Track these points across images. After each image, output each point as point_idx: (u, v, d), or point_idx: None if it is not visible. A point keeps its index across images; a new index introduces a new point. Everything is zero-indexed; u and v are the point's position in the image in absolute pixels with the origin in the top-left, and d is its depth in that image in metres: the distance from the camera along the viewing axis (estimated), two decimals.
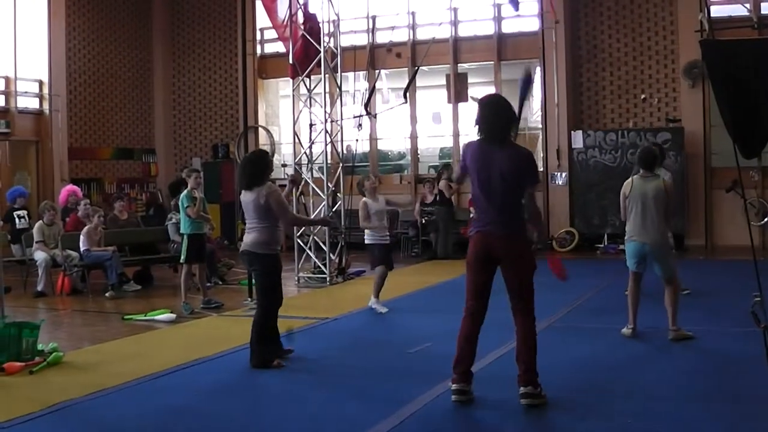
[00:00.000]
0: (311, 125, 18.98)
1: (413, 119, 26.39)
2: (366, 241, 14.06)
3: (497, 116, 8.14)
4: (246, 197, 10.22)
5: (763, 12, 21.24)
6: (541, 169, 24.66)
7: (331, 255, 17.91)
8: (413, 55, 25.52)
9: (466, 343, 8.12)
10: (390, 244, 14.42)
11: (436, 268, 20.28)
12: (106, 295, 16.46)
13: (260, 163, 10.55)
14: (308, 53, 18.49)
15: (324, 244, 17.59)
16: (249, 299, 14.93)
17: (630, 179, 11.44)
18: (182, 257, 14.69)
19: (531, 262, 8.16)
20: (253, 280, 10.56)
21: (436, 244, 22.64)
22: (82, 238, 16.95)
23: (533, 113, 27.07)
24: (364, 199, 13.87)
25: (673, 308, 11.07)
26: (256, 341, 10.08)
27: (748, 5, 21.62)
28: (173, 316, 13.74)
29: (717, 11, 22.41)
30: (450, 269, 18.63)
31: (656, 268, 11.19)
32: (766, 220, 20.82)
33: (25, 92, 24.34)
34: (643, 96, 23.62)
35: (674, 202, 11.39)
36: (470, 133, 26.50)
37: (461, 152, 8.91)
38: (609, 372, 9.52)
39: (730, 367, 9.40)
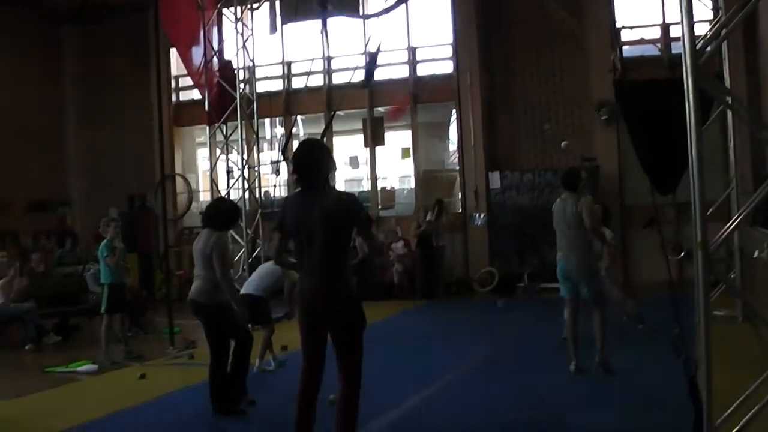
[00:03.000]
0: (228, 172, 18.93)
1: None
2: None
3: (311, 163, 7.41)
4: (197, 244, 10.15)
5: (674, 51, 21.58)
6: (459, 211, 24.80)
7: None
8: (329, 100, 25.54)
9: (303, 409, 7.44)
10: None
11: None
12: (26, 348, 16.21)
13: (225, 209, 10.62)
14: (224, 100, 18.49)
15: None
16: (171, 348, 14.80)
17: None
18: (102, 307, 14.52)
19: (357, 321, 7.42)
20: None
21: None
22: None
23: (450, 155, 27.23)
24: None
25: (601, 336, 11.09)
26: (215, 387, 9.96)
27: (659, 45, 21.98)
28: (95, 367, 13.58)
29: (629, 51, 22.76)
30: (369, 313, 18.59)
31: (580, 290, 11.19)
32: (682, 255, 21.06)
33: None
34: (564, 143, 23.81)
35: (596, 221, 11.39)
36: (388, 176, 26.61)
37: (282, 207, 7.94)
38: (529, 412, 9.55)
39: (655, 400, 9.47)
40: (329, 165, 7.55)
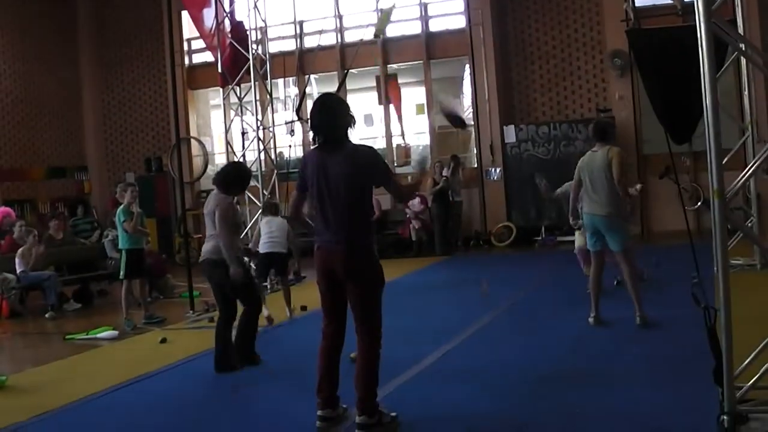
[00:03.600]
0: (243, 133, 18.91)
1: None
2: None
3: (330, 117, 7.36)
4: (207, 206, 10.29)
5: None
6: (475, 165, 24.81)
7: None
8: (342, 58, 25.51)
9: (325, 367, 7.47)
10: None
11: None
12: (46, 316, 16.26)
13: (233, 173, 10.68)
14: (237, 61, 18.44)
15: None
16: (191, 312, 14.87)
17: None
18: (121, 273, 14.54)
19: (375, 278, 7.40)
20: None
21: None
22: (17, 260, 16.75)
23: (465, 110, 27.19)
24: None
25: (635, 290, 11.03)
26: (222, 346, 10.20)
27: None
28: (116, 333, 13.61)
29: (642, 0, 22.62)
30: (390, 270, 18.61)
31: (609, 242, 11.14)
32: (699, 204, 21.04)
33: None
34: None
35: (626, 171, 11.26)
36: (404, 133, 26.55)
37: (301, 164, 7.98)
38: (549, 361, 9.57)
39: (675, 349, 9.48)
40: (347, 120, 7.40)
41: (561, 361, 9.63)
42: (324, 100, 7.63)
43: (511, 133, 23.88)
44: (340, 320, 7.52)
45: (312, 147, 7.59)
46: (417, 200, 23.08)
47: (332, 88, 23.84)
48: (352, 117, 7.46)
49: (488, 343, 11.01)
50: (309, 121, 7.51)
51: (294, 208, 7.81)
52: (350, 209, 7.28)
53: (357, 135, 24.75)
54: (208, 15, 18.51)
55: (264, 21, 19.39)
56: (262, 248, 13.48)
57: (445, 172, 22.56)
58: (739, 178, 7.05)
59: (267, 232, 13.39)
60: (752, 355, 6.93)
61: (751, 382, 6.65)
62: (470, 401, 8.15)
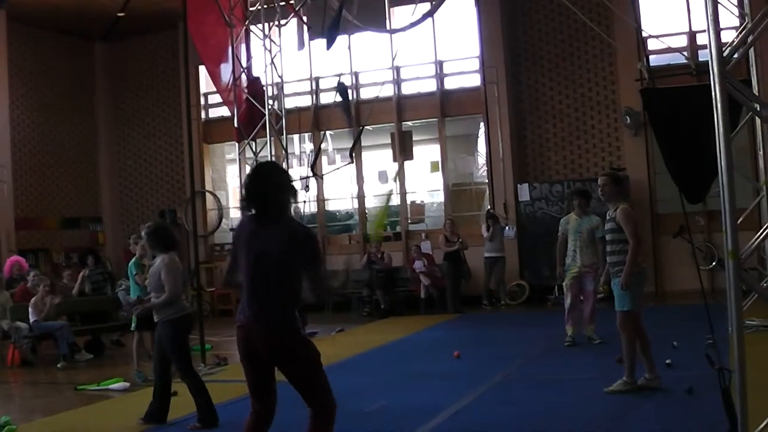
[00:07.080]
0: None
1: (359, 179, 26.41)
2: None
3: (267, 188, 6.78)
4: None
5: (700, 59, 21.54)
6: None
7: None
8: (357, 115, 25.61)
9: None
10: None
11: (387, 326, 20.29)
12: (58, 366, 16.27)
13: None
14: (253, 116, 18.50)
15: None
16: (202, 365, 14.82)
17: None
18: (132, 324, 14.53)
19: (307, 353, 6.80)
20: None
21: (385, 302, 22.79)
22: (30, 309, 16.79)
23: (479, 168, 27.22)
24: None
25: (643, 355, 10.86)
26: None
27: (686, 53, 21.93)
28: (127, 384, 13.58)
29: (656, 60, 22.71)
30: (402, 327, 18.64)
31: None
32: (714, 264, 20.97)
33: None
34: None
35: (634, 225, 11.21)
36: (417, 190, 26.59)
37: (235, 231, 7.30)
38: (564, 421, 9.50)
39: (690, 411, 9.41)
40: (287, 192, 6.86)
41: (571, 419, 9.56)
42: (260, 168, 7.36)
43: (525, 192, 23.90)
44: (269, 399, 6.96)
45: (248, 214, 7.00)
46: (421, 262, 23.12)
47: (347, 144, 23.94)
48: (293, 189, 6.99)
49: (500, 401, 10.94)
50: (243, 188, 7.05)
51: (228, 274, 7.22)
52: (280, 289, 6.69)
53: (372, 191, 24.81)
54: (225, 70, 18.62)
55: (280, 77, 19.51)
56: None
57: (484, 233, 22.68)
58: (754, 239, 7.05)
59: None
60: None
61: None
62: None
